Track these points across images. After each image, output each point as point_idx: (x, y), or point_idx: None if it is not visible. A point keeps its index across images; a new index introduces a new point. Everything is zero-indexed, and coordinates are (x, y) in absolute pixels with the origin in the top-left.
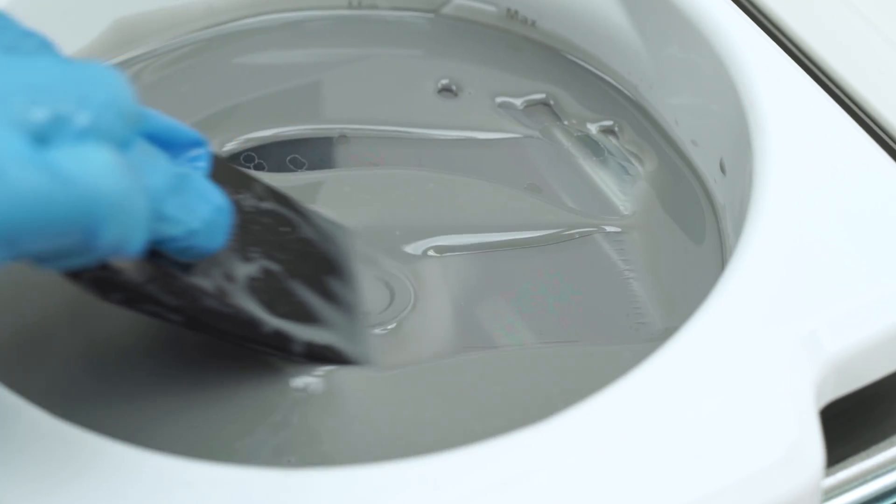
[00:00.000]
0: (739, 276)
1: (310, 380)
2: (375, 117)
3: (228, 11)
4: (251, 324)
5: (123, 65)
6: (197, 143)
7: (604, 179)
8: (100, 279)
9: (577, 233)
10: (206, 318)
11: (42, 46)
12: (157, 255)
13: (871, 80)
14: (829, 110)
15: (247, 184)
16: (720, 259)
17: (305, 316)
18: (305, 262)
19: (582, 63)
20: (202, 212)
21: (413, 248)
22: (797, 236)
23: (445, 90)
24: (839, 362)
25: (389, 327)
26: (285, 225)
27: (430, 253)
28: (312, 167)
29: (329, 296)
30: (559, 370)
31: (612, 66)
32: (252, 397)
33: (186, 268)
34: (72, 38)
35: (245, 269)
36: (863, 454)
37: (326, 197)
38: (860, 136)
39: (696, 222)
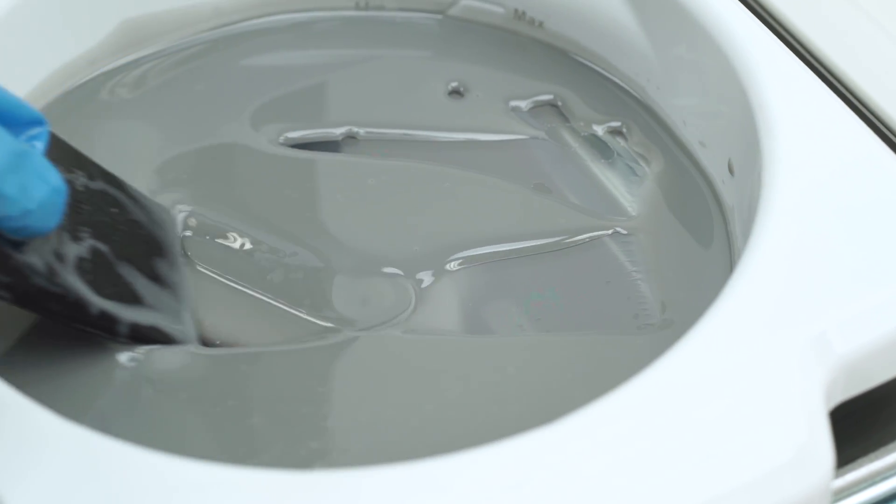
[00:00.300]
0: (748, 278)
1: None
2: (383, 118)
3: (236, 12)
4: (78, 304)
5: (131, 65)
6: (37, 122)
7: (611, 180)
8: None
9: (584, 234)
10: (34, 297)
11: None
12: None
13: (879, 81)
14: (837, 111)
15: (79, 163)
16: (728, 260)
17: (131, 297)
18: (133, 243)
19: (589, 64)
20: (39, 192)
21: (417, 248)
22: (806, 238)
23: (454, 92)
24: (849, 364)
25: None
26: (115, 206)
27: (438, 254)
28: None
29: (155, 277)
30: (562, 367)
31: (620, 67)
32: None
33: (17, 245)
34: (80, 38)
35: (75, 249)
36: (872, 455)
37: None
38: (869, 137)
39: (704, 223)
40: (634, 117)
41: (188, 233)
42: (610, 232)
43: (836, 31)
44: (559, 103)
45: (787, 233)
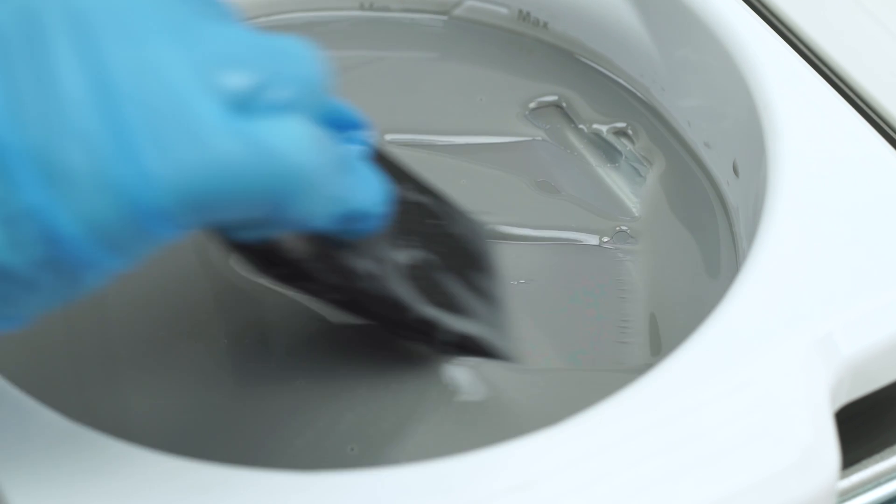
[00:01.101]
0: (754, 279)
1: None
2: (387, 120)
3: (239, 12)
4: (401, 308)
5: None
6: (360, 126)
7: (616, 181)
8: (264, 252)
9: (587, 233)
10: (360, 300)
11: (225, 14)
12: (317, 232)
13: (883, 82)
14: (842, 112)
15: (402, 176)
16: (733, 261)
17: (455, 307)
18: (455, 255)
19: (594, 65)
20: (365, 193)
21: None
22: (811, 239)
23: (457, 93)
24: (854, 365)
25: None
26: (436, 218)
27: None
28: None
29: (477, 290)
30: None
31: (625, 68)
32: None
33: (346, 247)
34: None
35: (398, 256)
36: (877, 457)
37: None
38: (874, 138)
39: (709, 225)
40: (639, 118)
41: None
42: (613, 232)
43: (841, 32)
44: (563, 104)
45: (792, 234)
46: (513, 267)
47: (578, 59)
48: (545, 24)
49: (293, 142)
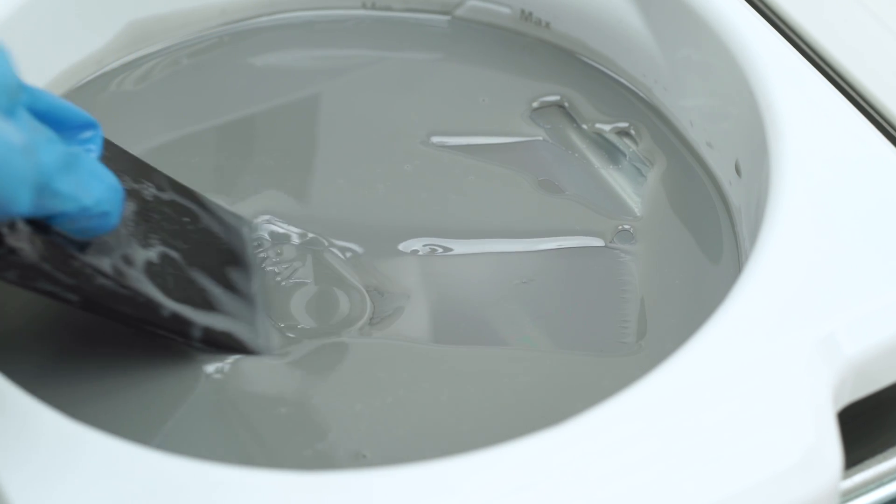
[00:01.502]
0: (756, 279)
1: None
2: (390, 121)
3: (242, 11)
4: (149, 306)
5: (137, 62)
6: (89, 126)
7: (618, 181)
8: None
9: (589, 234)
10: (102, 300)
11: None
12: (52, 234)
13: (886, 81)
14: (844, 112)
15: (147, 174)
16: (736, 261)
17: (204, 303)
18: (206, 251)
19: (596, 65)
20: (95, 190)
21: (416, 246)
22: (814, 239)
23: (460, 93)
24: (857, 365)
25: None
26: (186, 215)
27: (437, 251)
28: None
29: (229, 286)
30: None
31: (627, 67)
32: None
33: (83, 248)
34: (88, 39)
35: (144, 254)
36: (880, 457)
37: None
38: (876, 137)
39: (711, 224)
40: (641, 118)
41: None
42: (616, 231)
43: (843, 32)
44: (566, 104)
45: (795, 234)
46: (514, 267)
47: (581, 58)
48: (547, 24)
49: None
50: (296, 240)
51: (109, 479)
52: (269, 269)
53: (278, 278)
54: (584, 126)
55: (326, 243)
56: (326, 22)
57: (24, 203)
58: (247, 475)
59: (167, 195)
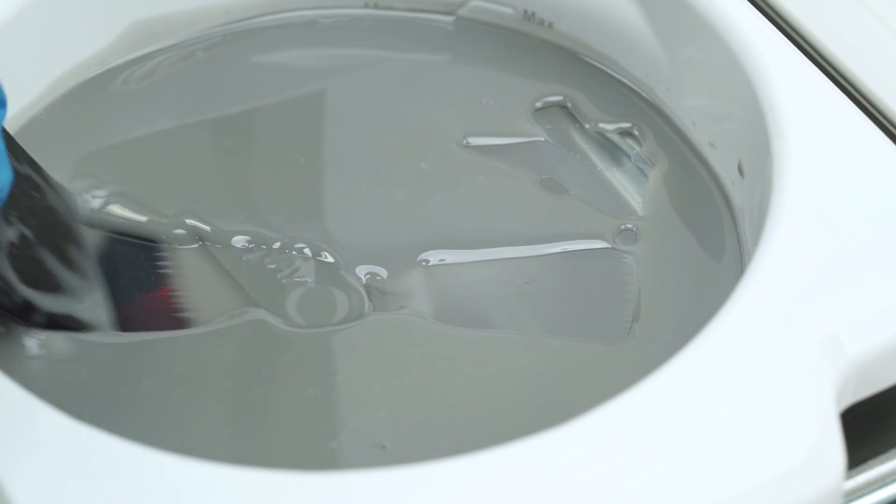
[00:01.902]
0: (759, 280)
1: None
2: (393, 121)
3: (245, 10)
4: (4, 292)
5: (141, 60)
6: None
7: (620, 181)
8: None
9: (592, 235)
10: None
11: None
12: None
13: (888, 82)
14: (847, 112)
15: (10, 145)
16: (739, 262)
17: (51, 285)
18: (51, 228)
19: (599, 65)
20: None
21: (419, 246)
22: (817, 239)
23: (463, 93)
24: (860, 365)
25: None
26: (36, 191)
27: (439, 252)
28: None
29: (70, 263)
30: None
31: (630, 68)
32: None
33: None
34: (91, 39)
35: (6, 234)
36: (883, 457)
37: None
38: (879, 138)
39: (714, 225)
40: (644, 119)
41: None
42: (618, 231)
43: (845, 31)
44: (568, 104)
45: (798, 234)
46: (517, 268)
47: (584, 59)
48: (550, 25)
49: None
50: (297, 241)
51: (111, 479)
52: (269, 266)
53: (279, 276)
54: (587, 126)
55: (327, 243)
56: (329, 21)
57: None
58: (250, 475)
59: (23, 168)
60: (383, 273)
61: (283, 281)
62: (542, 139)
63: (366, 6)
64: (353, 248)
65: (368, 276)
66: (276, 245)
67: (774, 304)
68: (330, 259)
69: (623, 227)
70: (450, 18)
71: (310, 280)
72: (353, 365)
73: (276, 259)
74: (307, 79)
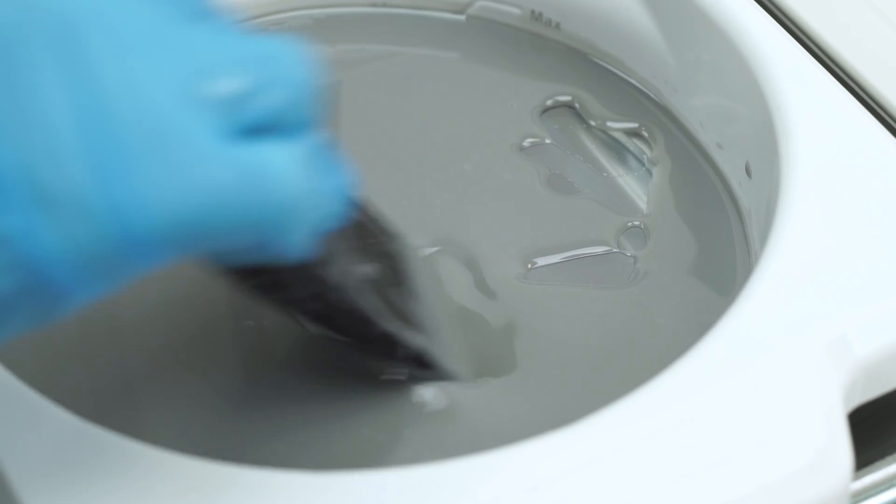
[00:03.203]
0: (767, 280)
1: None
2: (398, 120)
3: (251, 10)
4: (367, 321)
5: None
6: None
7: (627, 182)
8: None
9: (598, 234)
10: (329, 311)
11: (211, 13)
12: None
13: None
14: (855, 113)
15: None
16: (746, 263)
17: (411, 322)
18: (396, 274)
19: (606, 65)
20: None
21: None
22: (825, 240)
23: (469, 92)
24: (868, 366)
25: None
26: (376, 237)
27: (446, 252)
28: None
29: (416, 309)
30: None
31: (637, 68)
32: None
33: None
34: None
35: (358, 270)
36: (890, 458)
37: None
38: (887, 139)
39: (721, 226)
40: (651, 119)
41: None
42: (625, 232)
43: (853, 33)
44: (576, 104)
45: (806, 235)
46: (522, 272)
47: (591, 59)
48: (557, 25)
49: (286, 170)
50: None
51: (119, 479)
52: None
53: None
54: (594, 126)
55: None
56: (335, 19)
57: (312, 245)
58: (255, 475)
59: (358, 214)
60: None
61: None
62: (548, 139)
63: (373, 5)
64: None
65: None
66: None
67: (782, 305)
68: None
69: (629, 227)
70: (456, 18)
71: None
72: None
73: None
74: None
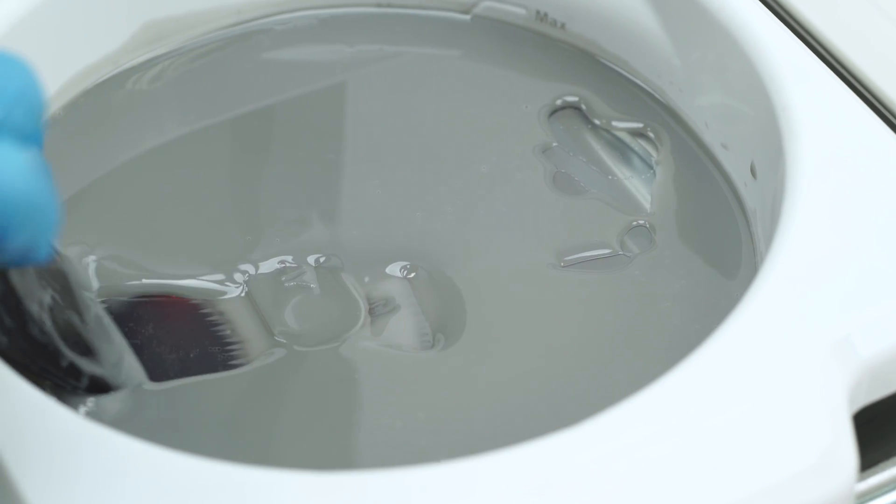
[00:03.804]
0: (772, 281)
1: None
2: (403, 118)
3: (257, 10)
4: (54, 356)
5: (151, 61)
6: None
7: (632, 182)
8: None
9: (603, 234)
10: (22, 347)
11: None
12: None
13: None
14: (860, 114)
15: None
16: (751, 263)
17: (86, 347)
18: (70, 292)
19: (612, 66)
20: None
21: (431, 251)
22: (830, 241)
23: (474, 92)
24: (873, 367)
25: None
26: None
27: (454, 256)
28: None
29: (90, 324)
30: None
31: (642, 69)
32: None
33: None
34: (103, 40)
35: (45, 296)
36: (895, 459)
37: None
38: (892, 140)
39: (726, 226)
40: (656, 119)
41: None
42: (629, 233)
43: (858, 33)
44: (581, 105)
45: (811, 236)
46: (529, 275)
47: (596, 59)
48: (563, 25)
49: (8, 169)
50: (307, 247)
51: (122, 479)
52: (278, 265)
53: (283, 278)
54: (599, 126)
55: (337, 253)
56: (340, 19)
57: (46, 251)
58: (263, 475)
59: None
60: (388, 273)
61: (286, 285)
62: (554, 139)
63: (378, 5)
64: (359, 244)
65: (368, 279)
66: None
67: (787, 306)
68: (345, 260)
69: (634, 228)
70: (462, 17)
71: (314, 286)
72: (367, 367)
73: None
74: (318, 75)
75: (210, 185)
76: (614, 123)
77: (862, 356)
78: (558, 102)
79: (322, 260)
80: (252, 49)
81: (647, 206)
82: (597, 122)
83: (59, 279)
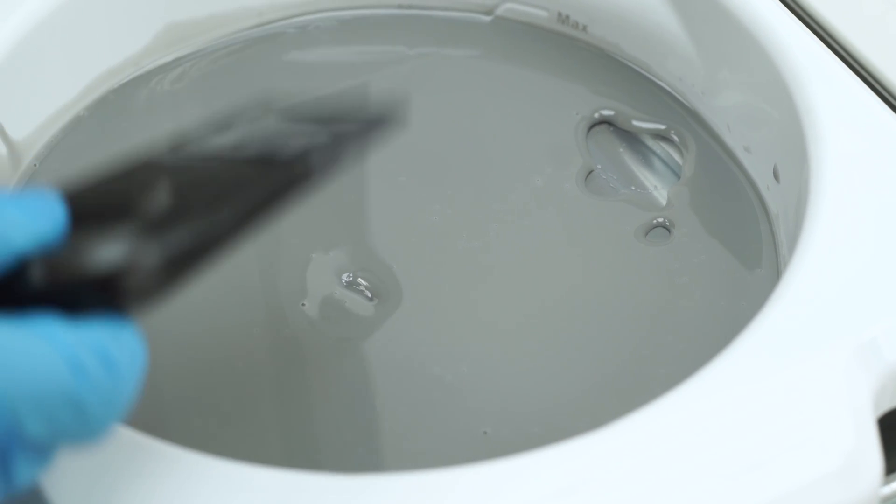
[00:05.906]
0: (796, 284)
1: None
2: (426, 119)
3: (278, 12)
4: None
5: (173, 63)
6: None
7: (655, 185)
8: None
9: (626, 236)
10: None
11: None
12: None
13: None
14: (884, 116)
15: None
16: (775, 267)
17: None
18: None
19: (634, 67)
20: None
21: (452, 254)
22: (854, 244)
23: (496, 93)
24: None
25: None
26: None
27: (476, 258)
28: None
29: None
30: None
31: (664, 71)
32: None
33: None
34: (125, 42)
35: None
36: None
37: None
38: None
39: (750, 229)
40: (679, 121)
41: None
42: (652, 234)
43: (881, 35)
44: (603, 108)
45: (835, 239)
46: (550, 278)
47: (618, 61)
48: (585, 28)
49: None
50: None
51: (147, 478)
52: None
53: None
54: (622, 128)
55: (359, 250)
56: (361, 20)
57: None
58: (272, 476)
59: None
60: (408, 272)
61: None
62: (574, 141)
63: (400, 7)
64: (380, 244)
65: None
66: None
67: (812, 309)
68: (369, 258)
69: (655, 227)
70: (483, 19)
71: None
72: (390, 367)
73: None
74: (340, 76)
75: None
76: (635, 123)
77: (887, 360)
78: (579, 104)
79: (350, 271)
80: (273, 51)
81: (670, 208)
82: (619, 124)
83: None
